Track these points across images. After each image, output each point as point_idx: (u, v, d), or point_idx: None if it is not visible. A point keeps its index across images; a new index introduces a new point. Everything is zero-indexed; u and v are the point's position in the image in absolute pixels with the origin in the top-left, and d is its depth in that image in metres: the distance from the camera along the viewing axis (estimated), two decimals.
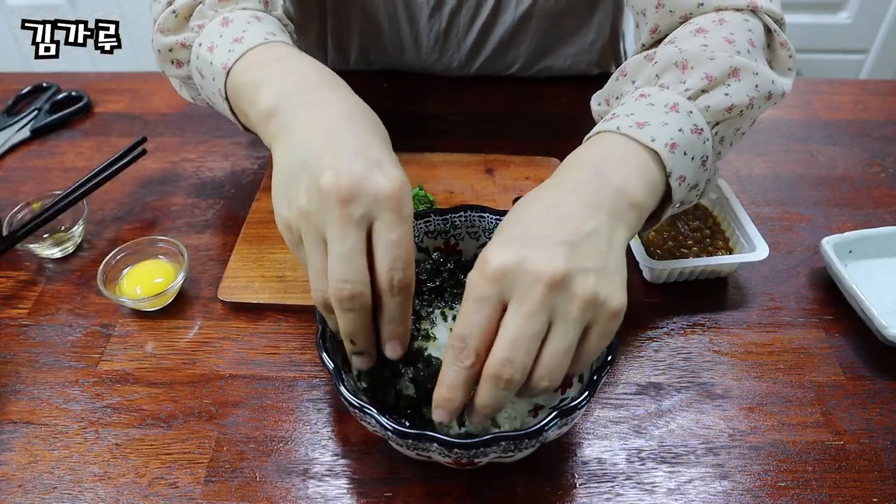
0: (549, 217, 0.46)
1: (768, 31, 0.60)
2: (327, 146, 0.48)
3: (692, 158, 0.52)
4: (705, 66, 0.54)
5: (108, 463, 0.56)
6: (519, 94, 0.95)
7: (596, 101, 0.66)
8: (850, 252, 0.70)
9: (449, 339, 0.45)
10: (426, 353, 0.54)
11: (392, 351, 0.49)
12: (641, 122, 0.51)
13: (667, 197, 0.53)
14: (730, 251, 0.70)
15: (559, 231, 0.44)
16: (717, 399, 0.60)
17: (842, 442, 0.57)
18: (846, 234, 0.69)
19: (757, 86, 0.56)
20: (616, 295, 0.45)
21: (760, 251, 0.66)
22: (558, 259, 0.43)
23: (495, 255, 0.43)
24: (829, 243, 0.68)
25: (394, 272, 0.46)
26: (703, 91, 0.54)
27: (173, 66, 0.67)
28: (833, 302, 0.68)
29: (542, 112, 0.93)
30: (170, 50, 0.65)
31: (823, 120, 0.91)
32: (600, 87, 0.66)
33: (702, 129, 0.53)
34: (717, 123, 0.55)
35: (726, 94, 0.54)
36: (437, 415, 0.46)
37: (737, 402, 0.60)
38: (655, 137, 0.50)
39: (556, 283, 0.42)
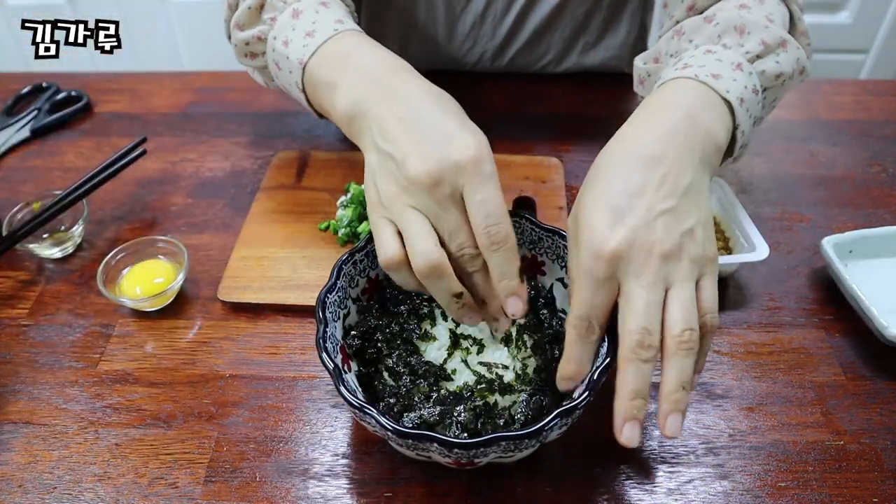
0: (651, 174, 0.48)
1: (791, 18, 0.64)
2: (403, 133, 0.51)
3: (750, 116, 0.56)
4: (761, 33, 0.58)
5: (107, 463, 0.56)
6: (519, 94, 0.95)
7: (642, 60, 0.69)
8: (850, 252, 0.70)
9: (569, 319, 0.49)
10: (424, 351, 0.54)
11: (513, 307, 0.51)
12: (716, 73, 0.55)
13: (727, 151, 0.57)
14: (730, 251, 0.70)
15: (661, 194, 0.48)
16: (717, 399, 0.60)
17: (842, 442, 0.57)
18: (846, 234, 0.69)
19: (798, 59, 0.60)
20: (711, 242, 0.49)
21: (760, 251, 0.66)
22: (665, 233, 0.46)
23: (609, 238, 0.46)
24: (829, 243, 0.68)
25: (489, 228, 0.48)
26: (759, 56, 0.58)
27: (248, 58, 0.71)
28: (833, 302, 0.68)
29: (542, 112, 0.93)
30: (246, 44, 0.69)
31: (823, 120, 0.91)
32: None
33: (758, 91, 0.57)
34: (765, 89, 0.59)
35: (777, 63, 0.59)
36: (565, 385, 0.51)
37: (737, 402, 0.60)
38: (730, 90, 0.54)
39: (667, 256, 0.46)
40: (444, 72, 0.98)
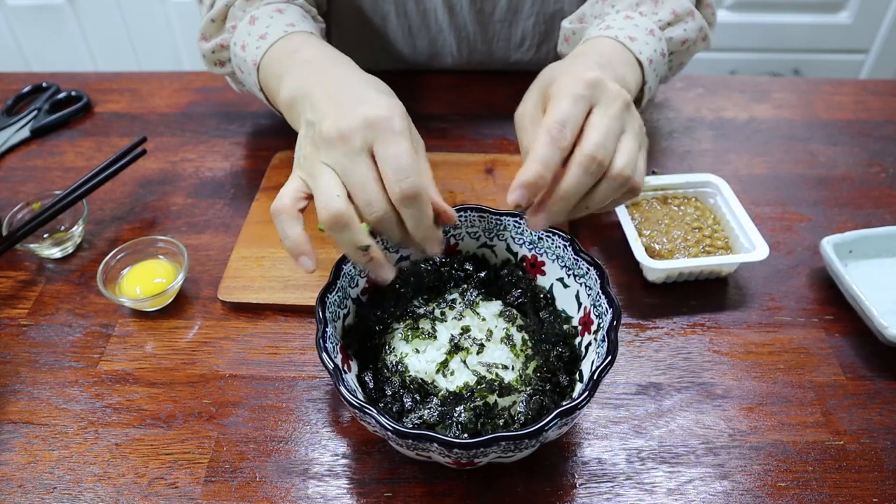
0: (602, 65, 0.59)
1: None
2: (327, 106, 0.54)
3: (657, 75, 0.69)
4: (672, 4, 0.71)
5: (107, 463, 0.56)
6: (519, 94, 0.95)
7: (568, 21, 0.78)
8: (850, 252, 0.70)
9: (544, 125, 0.53)
10: (424, 351, 0.54)
11: (430, 249, 0.54)
12: (632, 36, 0.66)
13: (636, 102, 0.68)
14: (730, 251, 0.70)
15: (613, 70, 0.60)
16: (717, 399, 0.60)
17: (842, 442, 0.57)
18: (846, 234, 0.69)
19: (701, 27, 0.73)
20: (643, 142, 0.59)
21: (760, 251, 0.66)
22: (622, 90, 0.56)
23: (589, 70, 0.55)
24: (829, 243, 0.68)
25: (399, 183, 0.50)
26: (669, 24, 0.70)
27: (217, 66, 0.78)
28: (833, 302, 0.68)
29: None
30: (213, 52, 0.76)
31: (823, 120, 0.91)
32: None
33: (665, 54, 0.70)
34: (671, 53, 0.72)
35: (684, 30, 0.71)
36: (518, 195, 0.51)
37: (737, 402, 0.60)
38: (642, 51, 0.66)
39: (627, 105, 0.55)
40: (441, 71, 0.98)
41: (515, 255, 0.62)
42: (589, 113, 0.54)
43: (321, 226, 0.51)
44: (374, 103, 0.53)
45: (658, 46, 0.68)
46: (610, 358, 0.49)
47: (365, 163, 0.51)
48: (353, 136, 0.51)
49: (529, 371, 0.54)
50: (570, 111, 0.52)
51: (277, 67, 0.65)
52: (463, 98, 0.94)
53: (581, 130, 0.53)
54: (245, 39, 0.69)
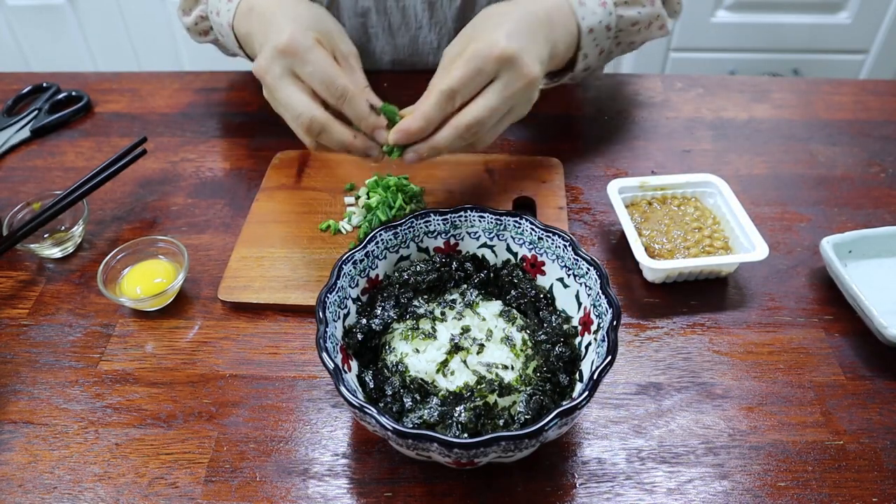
0: (532, 29, 0.64)
1: None
2: (260, 47, 0.66)
3: (597, 46, 0.74)
4: None
5: (108, 463, 0.56)
6: None
7: None
8: (850, 252, 0.70)
9: (435, 85, 0.60)
10: (423, 351, 0.54)
11: (379, 137, 0.63)
12: (582, 1, 0.71)
13: (568, 66, 0.76)
14: (730, 251, 0.70)
15: (538, 46, 0.64)
16: (717, 399, 0.60)
17: (842, 442, 0.57)
18: (846, 234, 0.69)
19: (659, 16, 0.78)
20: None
21: (760, 251, 0.66)
22: (539, 69, 0.63)
23: (510, 40, 0.60)
24: (829, 243, 0.68)
25: (328, 89, 0.61)
26: (626, 3, 0.74)
27: (201, 36, 0.84)
28: (833, 302, 0.68)
29: (542, 112, 0.92)
30: (195, 24, 0.82)
31: (823, 120, 0.91)
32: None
33: (611, 28, 0.74)
34: (620, 30, 0.76)
35: (638, 13, 0.75)
36: (398, 137, 0.61)
37: (737, 402, 0.60)
38: (585, 17, 0.71)
39: (529, 85, 0.62)
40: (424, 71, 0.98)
41: (515, 255, 0.62)
42: (489, 82, 0.60)
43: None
44: (279, 32, 0.62)
45: (606, 19, 0.72)
46: (610, 358, 0.49)
47: (287, 86, 0.62)
48: (271, 68, 0.62)
49: (529, 371, 0.54)
50: (467, 82, 0.59)
51: (245, 27, 0.73)
52: None
53: (472, 97, 0.60)
54: (217, 5, 0.77)
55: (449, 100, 0.60)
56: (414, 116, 0.61)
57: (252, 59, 0.78)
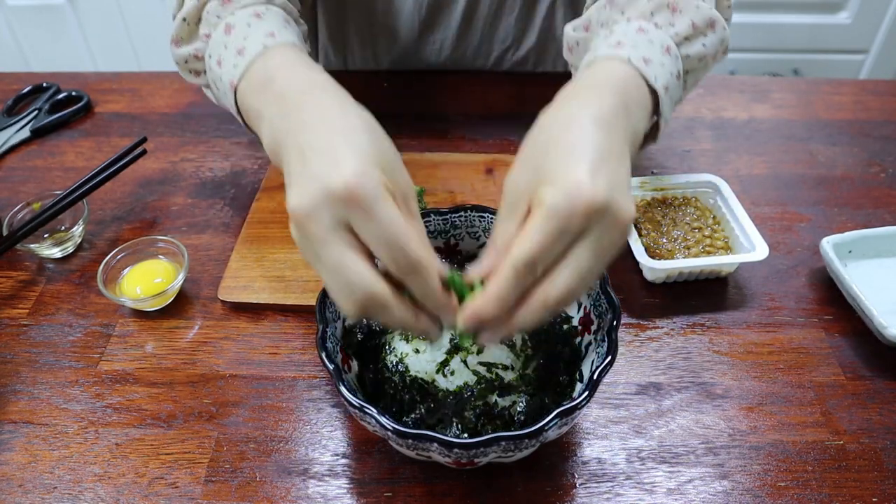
0: (612, 139, 0.47)
1: None
2: (296, 163, 0.46)
3: (672, 102, 0.57)
4: (692, 13, 0.58)
5: (108, 463, 0.56)
6: (519, 94, 0.95)
7: (572, 28, 0.66)
8: (850, 252, 0.70)
9: (514, 257, 0.44)
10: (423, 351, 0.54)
11: (446, 319, 0.47)
12: (647, 58, 0.54)
13: (648, 136, 0.58)
14: (730, 251, 0.70)
15: (625, 166, 0.47)
16: (717, 399, 0.60)
17: (842, 442, 0.57)
18: (846, 234, 0.69)
19: (723, 40, 0.61)
20: None
21: (760, 251, 0.66)
22: (633, 203, 0.45)
23: (594, 181, 0.43)
24: (829, 243, 0.68)
25: (394, 260, 0.44)
26: (687, 39, 0.58)
27: (192, 75, 0.67)
28: (833, 302, 0.68)
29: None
30: (185, 61, 0.65)
31: (823, 120, 0.91)
32: None
33: (681, 75, 0.57)
34: (687, 72, 0.59)
35: (703, 45, 0.59)
36: (467, 324, 0.45)
37: (737, 402, 0.60)
38: (658, 77, 0.53)
39: (623, 233, 0.45)
40: (437, 71, 0.98)
41: None
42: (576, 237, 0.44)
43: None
44: (340, 167, 0.43)
45: (674, 68, 0.56)
46: (610, 358, 0.49)
47: (339, 245, 0.44)
48: (320, 215, 0.43)
49: (529, 371, 0.54)
50: (549, 248, 0.43)
51: (254, 101, 0.55)
52: (463, 98, 0.95)
53: (556, 261, 0.44)
54: (221, 53, 0.59)
55: (529, 273, 0.44)
56: (487, 297, 0.45)
57: (250, 131, 0.60)
